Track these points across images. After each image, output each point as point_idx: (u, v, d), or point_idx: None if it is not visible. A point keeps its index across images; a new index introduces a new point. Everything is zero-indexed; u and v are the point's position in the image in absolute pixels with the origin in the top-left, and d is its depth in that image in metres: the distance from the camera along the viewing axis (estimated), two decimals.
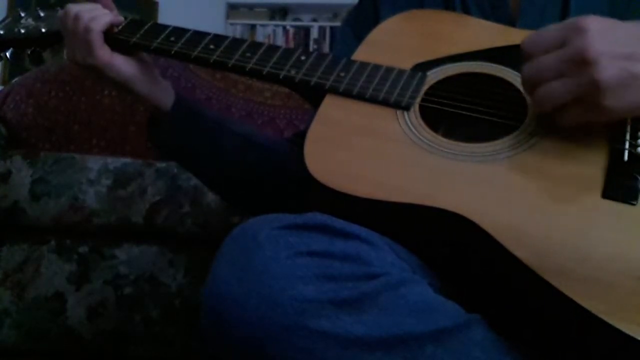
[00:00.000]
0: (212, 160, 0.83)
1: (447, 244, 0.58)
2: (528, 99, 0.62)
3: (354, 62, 0.70)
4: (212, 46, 0.74)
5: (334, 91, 0.68)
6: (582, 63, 0.53)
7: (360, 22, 0.87)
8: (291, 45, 4.75)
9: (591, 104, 0.54)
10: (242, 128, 0.86)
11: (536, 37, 0.58)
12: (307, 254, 0.51)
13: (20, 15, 0.83)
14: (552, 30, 0.57)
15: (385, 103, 0.66)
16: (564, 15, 0.76)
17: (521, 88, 0.64)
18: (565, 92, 0.55)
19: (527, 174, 0.57)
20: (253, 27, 4.97)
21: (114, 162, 1.22)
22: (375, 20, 0.83)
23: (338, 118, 0.66)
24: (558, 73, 0.55)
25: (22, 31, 0.81)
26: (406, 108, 0.65)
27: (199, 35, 0.75)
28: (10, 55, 0.82)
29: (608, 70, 0.52)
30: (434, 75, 0.68)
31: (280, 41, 4.87)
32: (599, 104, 0.53)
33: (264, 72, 0.71)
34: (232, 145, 0.83)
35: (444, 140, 0.62)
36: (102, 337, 1.20)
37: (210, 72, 1.35)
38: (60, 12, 0.79)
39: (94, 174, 1.21)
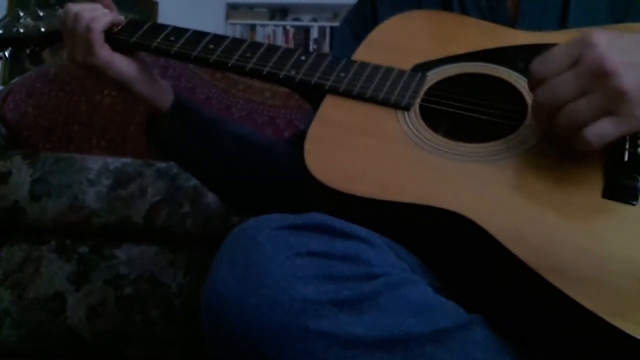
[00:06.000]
0: (211, 160, 0.83)
1: (447, 243, 0.58)
2: (528, 99, 0.62)
3: (354, 62, 0.70)
4: (211, 46, 0.74)
5: (334, 91, 0.68)
6: (602, 76, 0.52)
7: (359, 23, 0.87)
8: (291, 45, 4.75)
9: (622, 115, 0.52)
10: (241, 128, 0.86)
11: (545, 59, 0.56)
12: (306, 254, 0.51)
13: (19, 14, 0.83)
14: (560, 50, 0.55)
15: (385, 103, 0.66)
16: (563, 16, 0.76)
17: (522, 89, 0.64)
18: (593, 108, 0.52)
19: (527, 174, 0.57)
20: (253, 27, 4.97)
21: (114, 162, 1.22)
22: (373, 21, 0.83)
23: (338, 118, 0.66)
24: (578, 91, 0.53)
25: (21, 31, 0.81)
26: (406, 108, 0.65)
27: (199, 35, 0.75)
28: (9, 54, 0.82)
29: (630, 79, 0.51)
30: (434, 76, 0.68)
31: (280, 41, 4.87)
32: (629, 113, 0.52)
33: (264, 72, 0.71)
34: (231, 146, 0.83)
35: (444, 140, 0.62)
36: (102, 337, 1.21)
37: (210, 72, 1.35)
38: (60, 11, 0.79)
39: (94, 174, 1.21)
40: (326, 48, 4.75)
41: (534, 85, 0.56)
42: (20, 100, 1.31)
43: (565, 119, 0.54)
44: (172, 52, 0.74)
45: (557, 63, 0.55)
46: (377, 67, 0.69)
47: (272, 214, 0.55)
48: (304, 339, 0.47)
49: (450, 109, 0.66)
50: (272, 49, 0.73)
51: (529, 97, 0.62)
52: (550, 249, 0.51)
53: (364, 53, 0.73)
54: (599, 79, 0.52)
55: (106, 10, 0.77)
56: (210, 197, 1.19)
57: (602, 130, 0.53)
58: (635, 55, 0.52)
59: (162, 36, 0.76)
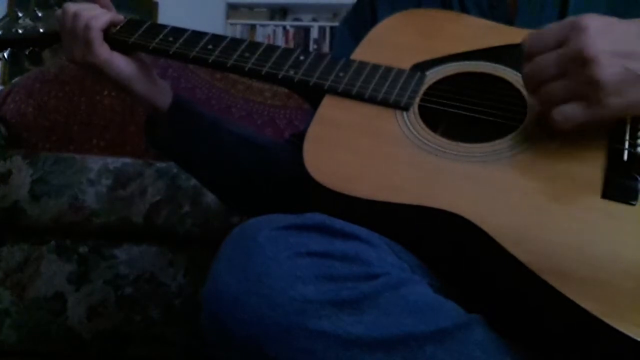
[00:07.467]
0: (210, 160, 0.83)
1: (446, 244, 0.58)
2: (528, 97, 0.62)
3: (352, 62, 0.70)
4: (210, 46, 0.74)
5: (333, 91, 0.68)
6: (582, 62, 0.53)
7: (358, 22, 0.87)
8: (291, 45, 4.75)
9: (592, 102, 0.53)
10: (240, 129, 0.86)
11: (536, 36, 0.57)
12: (306, 254, 0.51)
13: (18, 15, 0.83)
14: (551, 29, 0.56)
15: (384, 103, 0.66)
16: (562, 14, 0.76)
17: (521, 88, 0.64)
18: (566, 91, 0.54)
19: (526, 174, 0.57)
20: (253, 27, 4.97)
21: (114, 162, 1.22)
22: (372, 20, 0.82)
23: (337, 118, 0.65)
24: (558, 72, 0.55)
25: (20, 31, 0.81)
26: (405, 108, 0.65)
27: (198, 35, 0.75)
28: (9, 55, 0.82)
29: (608, 69, 0.52)
30: (433, 75, 0.68)
31: (280, 41, 4.87)
32: (600, 102, 0.53)
33: (263, 72, 0.71)
34: (231, 146, 0.82)
35: (443, 140, 0.62)
36: (102, 337, 1.21)
37: (210, 72, 1.35)
38: (58, 11, 0.79)
39: (94, 174, 1.21)
40: (326, 48, 4.75)
41: (524, 58, 0.58)
42: (20, 100, 1.31)
43: (542, 96, 0.56)
44: (171, 52, 0.74)
45: (545, 41, 0.56)
46: (376, 67, 0.69)
47: (272, 214, 0.55)
48: (304, 339, 0.48)
49: (449, 109, 0.66)
50: (271, 49, 0.73)
51: (528, 97, 0.62)
52: (549, 250, 0.51)
53: (362, 52, 0.73)
54: (577, 64, 0.53)
55: (104, 10, 0.77)
56: (210, 197, 1.19)
57: (570, 112, 0.55)
58: (623, 45, 0.53)
59: (160, 36, 0.75)
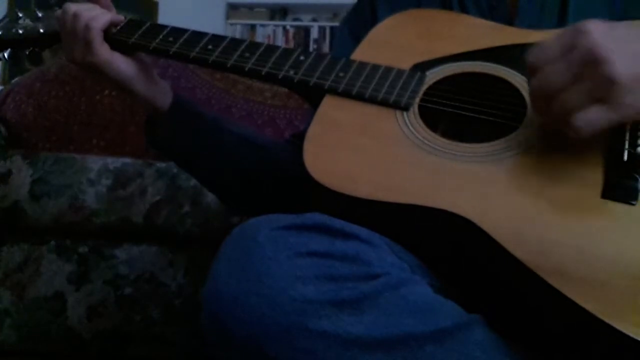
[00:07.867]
0: (211, 160, 0.83)
1: (446, 244, 0.58)
2: (529, 105, 0.62)
3: (352, 62, 0.70)
4: (210, 46, 0.74)
5: (333, 91, 0.68)
6: (594, 63, 0.51)
7: (358, 22, 0.87)
8: (291, 45, 4.75)
9: (612, 103, 0.52)
10: (240, 129, 0.86)
11: (540, 48, 0.56)
12: (306, 254, 0.51)
13: (18, 15, 0.83)
14: (554, 39, 0.55)
15: (384, 103, 0.66)
16: (562, 14, 0.76)
17: (521, 89, 0.64)
18: (584, 95, 0.52)
19: (526, 174, 0.57)
20: (253, 27, 4.97)
21: (114, 162, 1.22)
22: (372, 20, 0.82)
23: (337, 118, 0.66)
24: (571, 79, 0.53)
25: (20, 32, 0.81)
26: (405, 108, 0.65)
27: (198, 35, 0.75)
28: (8, 55, 0.82)
29: (622, 67, 0.51)
30: (433, 75, 0.68)
31: (280, 41, 4.87)
32: (619, 101, 0.51)
33: (263, 73, 0.71)
34: (231, 146, 0.83)
35: (443, 140, 0.62)
36: (102, 337, 1.21)
37: (210, 72, 1.35)
38: (58, 11, 0.79)
39: (94, 174, 1.21)
40: (326, 48, 4.75)
41: (530, 74, 0.56)
42: (20, 100, 1.31)
43: (558, 106, 0.54)
44: (171, 52, 0.74)
45: (551, 51, 0.55)
46: (376, 67, 0.69)
47: (272, 214, 0.55)
48: (304, 339, 0.48)
49: (449, 109, 0.66)
50: (271, 49, 0.73)
51: (528, 96, 0.62)
52: (549, 250, 0.51)
53: (362, 52, 0.73)
54: (590, 66, 0.52)
55: (105, 10, 0.77)
56: (210, 197, 1.19)
57: (591, 117, 0.52)
58: (629, 44, 0.52)
59: (161, 36, 0.75)
